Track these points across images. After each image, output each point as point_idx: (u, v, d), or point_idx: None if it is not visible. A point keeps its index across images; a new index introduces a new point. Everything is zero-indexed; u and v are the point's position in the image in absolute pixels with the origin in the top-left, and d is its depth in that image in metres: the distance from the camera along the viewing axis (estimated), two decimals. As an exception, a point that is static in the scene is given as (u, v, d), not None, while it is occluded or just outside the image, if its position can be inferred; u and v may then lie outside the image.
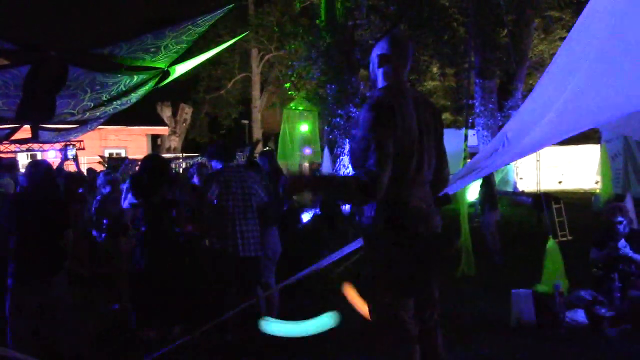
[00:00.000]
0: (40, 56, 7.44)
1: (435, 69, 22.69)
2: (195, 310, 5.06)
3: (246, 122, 27.89)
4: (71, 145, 11.40)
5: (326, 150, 17.00)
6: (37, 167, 4.99)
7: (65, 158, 11.05)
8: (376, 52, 3.20)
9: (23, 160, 13.59)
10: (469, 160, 6.94)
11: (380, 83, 3.10)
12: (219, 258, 5.17)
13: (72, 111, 9.25)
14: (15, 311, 4.60)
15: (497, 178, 13.89)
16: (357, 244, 4.10)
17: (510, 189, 19.23)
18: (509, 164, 16.36)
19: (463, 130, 9.24)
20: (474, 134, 19.18)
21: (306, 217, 10.19)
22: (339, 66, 16.20)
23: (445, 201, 3.33)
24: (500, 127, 17.96)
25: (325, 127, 17.88)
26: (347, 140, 16.62)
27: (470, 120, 18.84)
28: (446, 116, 26.47)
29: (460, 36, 17.95)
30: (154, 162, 5.42)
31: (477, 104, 19.40)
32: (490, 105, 19.31)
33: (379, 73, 3.13)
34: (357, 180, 2.71)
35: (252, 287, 5.31)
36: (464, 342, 5.22)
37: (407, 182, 2.89)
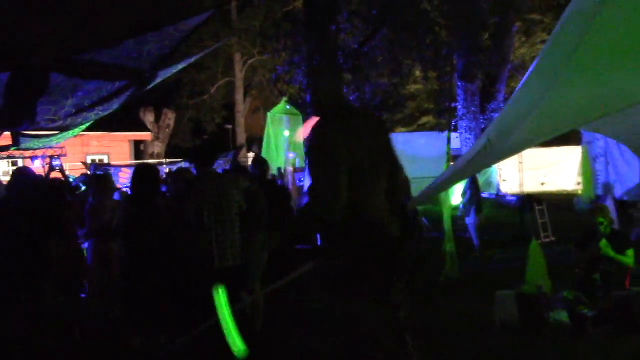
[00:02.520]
0: (21, 62, 7.38)
1: (417, 72, 22.85)
2: (180, 318, 5.03)
3: (230, 126, 27.82)
4: (55, 156, 11.33)
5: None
6: (21, 175, 4.94)
7: (51, 168, 11.00)
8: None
9: (4, 167, 13.44)
10: (452, 163, 7.00)
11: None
12: (196, 268, 5.12)
13: (53, 117, 9.16)
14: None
15: (480, 180, 14.00)
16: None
17: (493, 191, 19.36)
18: (491, 166, 16.49)
19: (446, 133, 9.30)
20: (456, 137, 19.31)
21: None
22: (322, 70, 16.23)
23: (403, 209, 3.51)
24: (482, 130, 18.11)
25: (310, 131, 17.93)
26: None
27: (453, 123, 18.98)
28: (429, 119, 26.63)
29: (442, 39, 18.09)
30: (148, 172, 5.36)
31: (459, 106, 19.55)
32: (473, 108, 19.46)
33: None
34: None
35: (235, 294, 5.28)
36: (448, 342, 5.25)
37: (364, 194, 3.07)
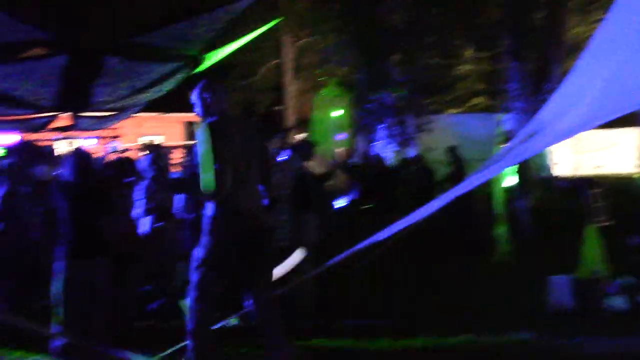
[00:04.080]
0: (77, 45, 7.57)
1: (468, 53, 22.36)
2: (232, 297, 5.13)
3: (279, 108, 27.91)
4: (115, 139, 11.66)
5: (359, 136, 16.95)
6: (79, 155, 5.12)
7: (112, 151, 11.33)
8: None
9: (63, 148, 13.88)
10: (504, 146, 6.86)
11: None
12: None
13: (108, 99, 9.39)
14: (67, 289, 4.74)
15: (533, 163, 13.70)
16: (385, 234, 4.13)
17: (546, 174, 18.90)
18: (545, 149, 16.10)
19: (498, 115, 9.12)
20: (510, 119, 18.90)
21: (340, 203, 10.17)
22: (371, 51, 16.10)
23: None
24: (536, 111, 17.67)
25: (359, 113, 17.83)
26: (381, 126, 16.56)
27: (507, 105, 18.58)
28: (480, 100, 26.07)
29: (494, 19, 17.65)
30: None
31: (513, 87, 19.07)
32: (527, 89, 18.95)
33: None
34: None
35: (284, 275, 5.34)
36: (501, 328, 5.18)
37: (237, 189, 3.94)
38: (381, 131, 16.91)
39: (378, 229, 4.32)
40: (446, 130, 18.65)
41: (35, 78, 7.88)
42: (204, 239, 4.09)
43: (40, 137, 12.63)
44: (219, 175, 3.85)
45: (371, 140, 16.62)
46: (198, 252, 4.13)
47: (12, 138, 10.46)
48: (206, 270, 4.05)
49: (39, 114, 10.26)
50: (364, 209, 9.23)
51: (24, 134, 11.40)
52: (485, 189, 8.66)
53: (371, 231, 4.43)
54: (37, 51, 8.19)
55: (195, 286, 4.09)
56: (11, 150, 7.61)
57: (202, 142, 4.00)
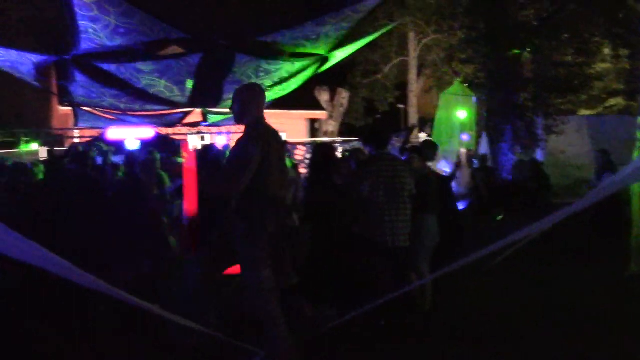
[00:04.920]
0: (210, 45, 7.92)
1: (606, 50, 20.99)
2: (350, 295, 5.15)
3: (402, 106, 27.68)
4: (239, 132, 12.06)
5: (484, 137, 16.44)
6: (210, 150, 5.41)
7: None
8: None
9: (194, 142, 14.60)
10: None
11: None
12: (368, 247, 5.21)
13: (237, 96, 9.76)
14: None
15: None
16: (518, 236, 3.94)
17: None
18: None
19: (638, 118, 8.47)
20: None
21: (462, 205, 9.95)
22: (500, 48, 15.55)
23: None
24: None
25: (485, 113, 17.30)
26: (508, 127, 15.97)
27: (648, 106, 17.29)
28: (617, 101, 24.45)
29: (637, 13, 16.43)
30: (326, 149, 5.69)
31: (654, 87, 17.74)
32: (671, 89, 17.56)
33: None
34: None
35: (404, 275, 5.29)
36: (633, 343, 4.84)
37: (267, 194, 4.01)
38: (507, 132, 16.30)
39: (501, 231, 4.14)
40: (579, 133, 17.68)
41: (171, 75, 8.34)
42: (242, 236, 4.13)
43: (174, 132, 13.34)
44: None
45: (497, 142, 16.05)
46: None
47: (147, 132, 11.11)
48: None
49: (173, 109, 10.85)
50: (491, 214, 8.98)
51: (159, 129, 12.08)
52: (622, 196, 8.13)
53: (495, 233, 4.27)
54: (174, 50, 8.69)
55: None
56: (147, 144, 8.12)
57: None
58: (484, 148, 15.87)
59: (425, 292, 5.66)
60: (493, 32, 15.15)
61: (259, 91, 4.32)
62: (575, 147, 17.41)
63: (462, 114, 14.57)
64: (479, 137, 16.56)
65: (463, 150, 12.46)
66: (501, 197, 10.24)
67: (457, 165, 8.87)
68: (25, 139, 9.83)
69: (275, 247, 4.06)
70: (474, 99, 15.77)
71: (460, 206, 9.70)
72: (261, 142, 3.97)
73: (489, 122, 16.57)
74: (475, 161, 12.27)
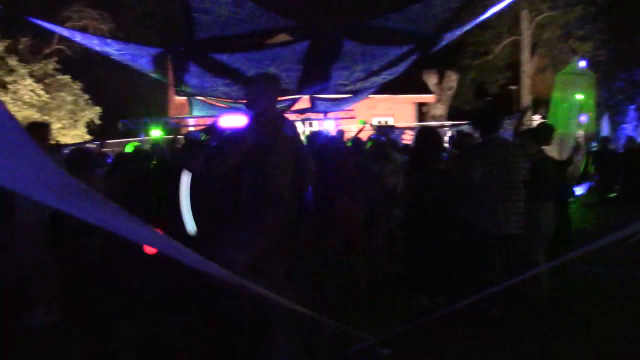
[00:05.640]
0: (318, 31, 7.96)
1: None
2: (461, 283, 5.06)
3: (514, 88, 26.70)
4: (345, 118, 12.06)
5: (605, 118, 15.53)
6: (319, 136, 5.49)
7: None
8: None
9: (301, 128, 14.86)
10: None
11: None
12: (479, 234, 5.07)
13: (345, 82, 9.78)
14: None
15: None
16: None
17: None
18: None
19: None
20: None
21: (579, 190, 9.46)
22: (621, 24, 14.58)
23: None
24: None
25: (604, 93, 16.32)
26: (632, 107, 15.02)
27: None
28: None
29: None
30: (429, 134, 5.61)
31: None
32: None
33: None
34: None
35: (518, 264, 5.10)
36: None
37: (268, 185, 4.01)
38: (631, 112, 15.30)
39: (620, 218, 3.88)
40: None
41: (279, 63, 8.47)
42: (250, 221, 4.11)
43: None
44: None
45: (619, 123, 15.12)
46: None
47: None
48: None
49: (282, 97, 11.04)
50: (608, 198, 8.47)
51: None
52: None
53: (614, 221, 4.01)
54: (282, 37, 8.81)
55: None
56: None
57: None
58: (605, 130, 14.99)
59: (540, 283, 5.43)
60: (612, 7, 14.23)
61: (272, 82, 4.34)
62: None
63: (580, 95, 13.79)
64: (598, 118, 15.65)
65: (581, 133, 11.82)
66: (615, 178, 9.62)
67: (576, 149, 8.42)
68: (153, 127, 10.47)
69: (275, 240, 4.06)
70: (593, 78, 14.90)
71: (580, 190, 9.23)
72: (260, 131, 4.00)
73: (610, 103, 15.63)
74: (594, 142, 11.63)
